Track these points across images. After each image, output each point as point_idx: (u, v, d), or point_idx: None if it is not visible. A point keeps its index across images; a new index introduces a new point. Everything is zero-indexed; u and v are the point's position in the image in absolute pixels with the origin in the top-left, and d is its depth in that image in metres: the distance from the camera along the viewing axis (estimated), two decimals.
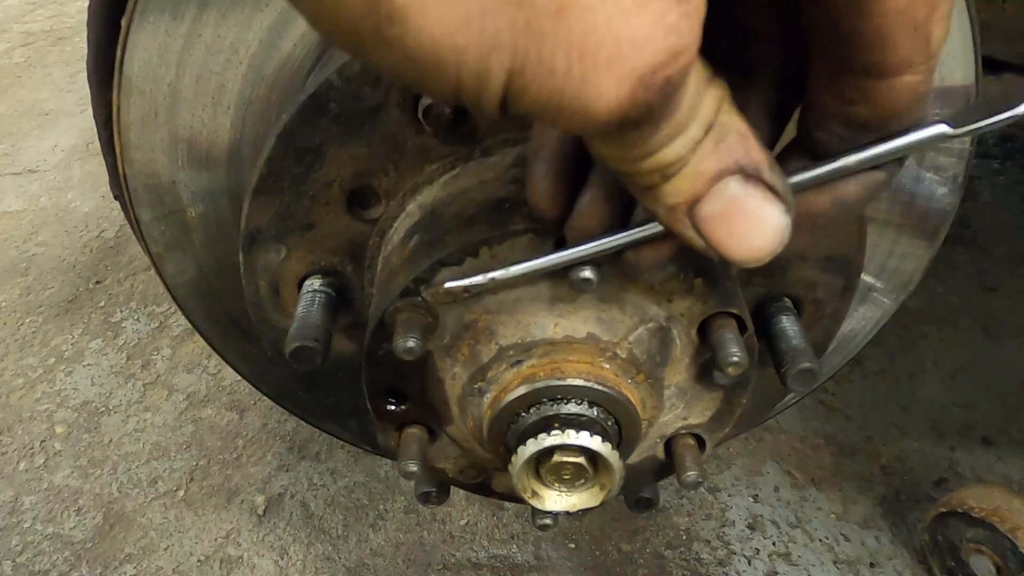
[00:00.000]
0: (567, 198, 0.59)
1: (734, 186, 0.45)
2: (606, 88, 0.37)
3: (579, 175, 0.58)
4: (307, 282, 0.80)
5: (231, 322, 1.04)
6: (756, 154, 0.45)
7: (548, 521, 0.85)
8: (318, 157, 0.73)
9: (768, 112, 0.52)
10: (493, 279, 0.65)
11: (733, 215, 0.45)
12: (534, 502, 0.74)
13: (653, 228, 0.54)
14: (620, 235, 0.56)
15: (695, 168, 0.44)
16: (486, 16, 0.34)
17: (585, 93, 0.37)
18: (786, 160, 0.51)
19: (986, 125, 0.47)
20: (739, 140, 0.45)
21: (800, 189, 0.49)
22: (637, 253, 0.57)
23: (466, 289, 0.66)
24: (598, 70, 0.36)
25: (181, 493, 1.77)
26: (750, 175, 0.45)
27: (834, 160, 0.49)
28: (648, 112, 0.39)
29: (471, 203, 0.71)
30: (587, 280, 0.62)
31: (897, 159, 0.48)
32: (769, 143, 0.52)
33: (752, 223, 0.45)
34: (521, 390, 0.70)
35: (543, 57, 0.36)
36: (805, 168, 0.50)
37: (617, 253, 0.58)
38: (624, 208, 0.56)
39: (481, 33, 0.35)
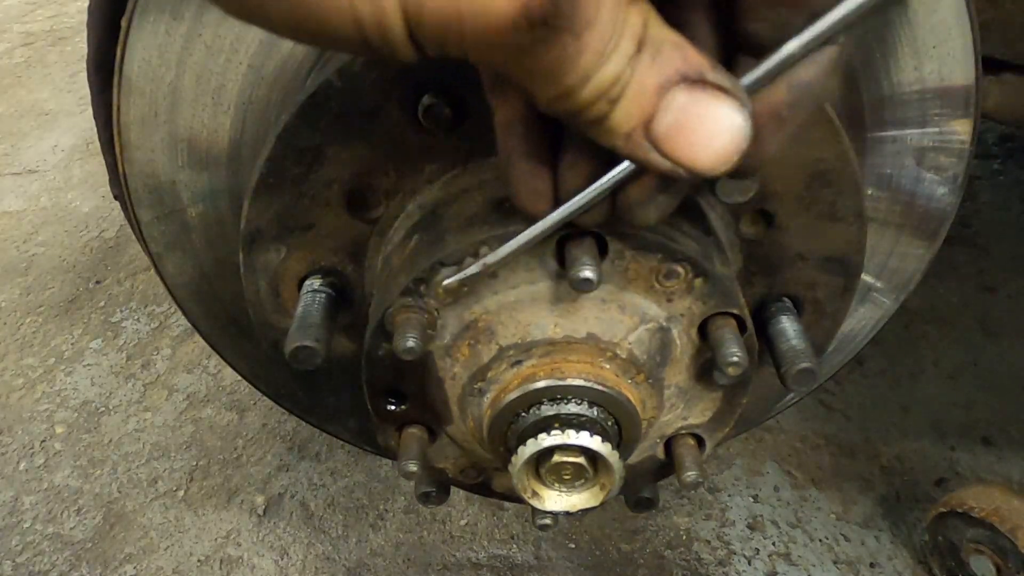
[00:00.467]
0: (553, 188, 0.58)
1: (681, 95, 0.44)
2: None
3: (554, 162, 0.57)
4: (307, 282, 0.80)
5: (231, 322, 1.04)
6: (695, 59, 0.44)
7: (548, 521, 0.85)
8: (318, 157, 0.73)
9: (709, 21, 0.51)
10: (485, 264, 0.65)
11: (688, 123, 0.44)
12: (534, 502, 0.74)
13: (628, 167, 0.53)
14: (597, 184, 0.55)
15: (638, 85, 0.43)
16: None
17: None
18: (733, 66, 0.50)
19: None
20: (675, 49, 0.44)
21: (754, 89, 0.48)
22: (625, 194, 0.56)
23: (463, 282, 0.66)
24: None
25: (181, 493, 1.77)
26: (695, 80, 0.44)
27: (778, 49, 0.47)
28: (554, 9, 0.38)
29: (471, 203, 0.71)
30: (587, 280, 0.62)
31: (846, 28, 0.46)
32: (715, 51, 0.51)
33: (709, 126, 0.44)
34: (521, 390, 0.70)
35: None
36: (753, 67, 0.48)
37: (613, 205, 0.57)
38: (604, 163, 0.55)
39: None
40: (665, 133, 0.45)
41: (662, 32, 0.44)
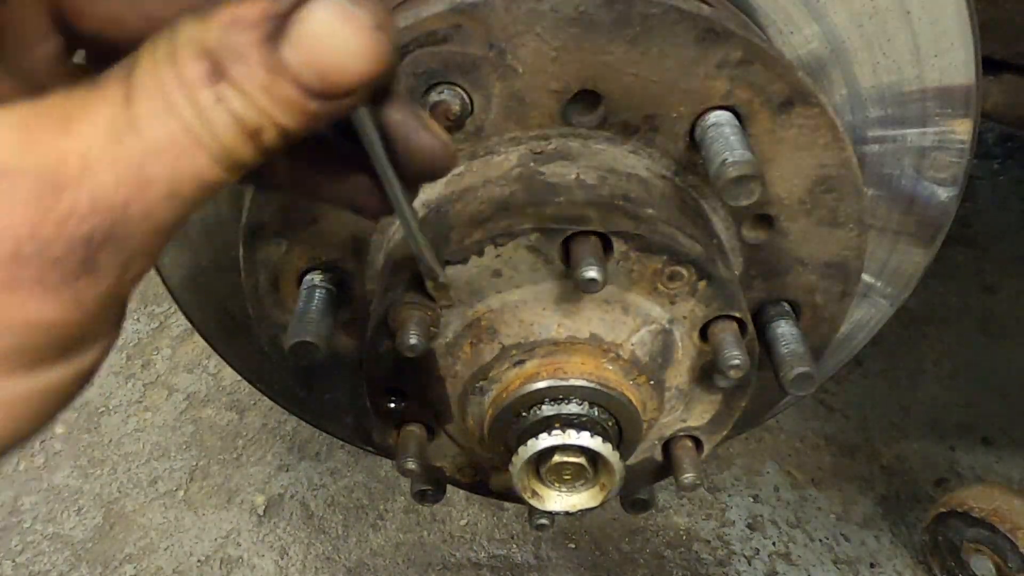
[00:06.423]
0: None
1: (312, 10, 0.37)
2: None
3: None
4: (307, 277, 0.80)
5: (227, 316, 1.03)
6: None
7: (545, 521, 0.85)
8: None
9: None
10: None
11: (311, 39, 0.37)
12: (534, 502, 0.74)
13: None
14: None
15: (231, 40, 0.37)
16: None
17: None
18: None
19: None
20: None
21: None
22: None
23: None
24: None
25: (181, 493, 1.77)
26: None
27: None
28: None
29: (476, 201, 0.71)
30: (593, 280, 0.62)
31: None
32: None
33: (326, 37, 0.38)
34: (523, 390, 0.70)
35: None
36: None
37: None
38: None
39: None
40: (296, 63, 0.38)
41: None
